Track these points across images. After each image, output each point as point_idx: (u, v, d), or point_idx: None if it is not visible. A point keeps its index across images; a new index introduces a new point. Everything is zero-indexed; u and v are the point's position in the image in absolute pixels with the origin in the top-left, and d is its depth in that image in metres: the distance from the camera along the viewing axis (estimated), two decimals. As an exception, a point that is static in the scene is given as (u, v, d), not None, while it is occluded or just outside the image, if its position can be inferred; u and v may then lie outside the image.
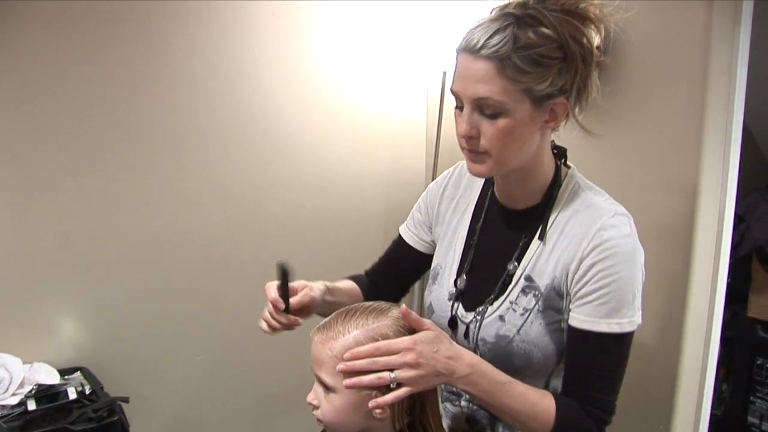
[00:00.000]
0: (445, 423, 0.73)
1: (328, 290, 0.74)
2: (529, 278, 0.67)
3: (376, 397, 0.59)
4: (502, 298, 0.68)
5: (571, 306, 0.65)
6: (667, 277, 1.06)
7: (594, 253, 0.63)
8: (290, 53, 1.40)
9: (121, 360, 1.27)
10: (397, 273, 0.86)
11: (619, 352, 0.64)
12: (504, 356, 0.66)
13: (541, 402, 0.63)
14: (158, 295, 1.31)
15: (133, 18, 1.21)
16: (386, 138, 1.56)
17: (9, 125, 1.14)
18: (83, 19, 1.16)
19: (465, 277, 0.73)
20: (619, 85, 1.07)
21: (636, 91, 1.10)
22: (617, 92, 1.05)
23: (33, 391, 1.06)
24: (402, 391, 0.59)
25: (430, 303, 0.77)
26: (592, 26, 0.62)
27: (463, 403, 0.74)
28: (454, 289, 0.73)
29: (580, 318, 0.63)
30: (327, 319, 0.65)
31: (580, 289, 0.64)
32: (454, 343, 0.63)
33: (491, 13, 0.62)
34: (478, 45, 0.59)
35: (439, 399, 0.72)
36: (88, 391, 1.10)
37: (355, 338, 0.61)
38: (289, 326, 0.69)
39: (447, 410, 0.76)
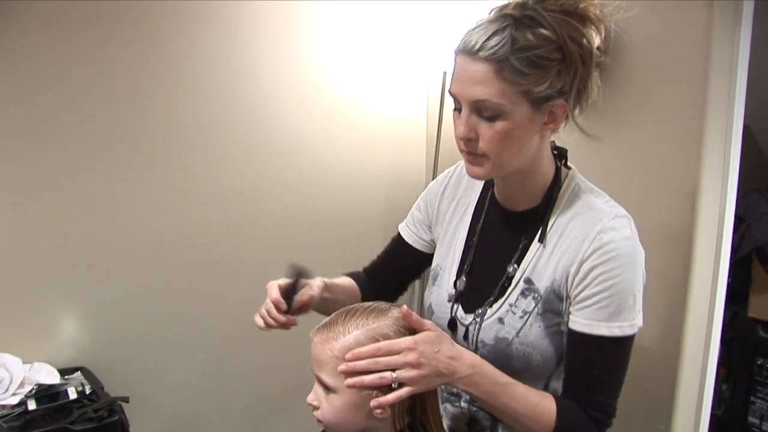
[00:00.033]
0: (445, 423, 0.73)
1: (326, 287, 0.74)
2: (528, 281, 0.67)
3: (377, 397, 0.59)
4: (501, 301, 0.68)
5: (571, 309, 0.64)
6: (668, 278, 1.06)
7: (594, 256, 0.62)
8: (290, 53, 1.40)
9: (122, 360, 1.27)
10: (395, 271, 0.85)
11: (620, 355, 0.64)
12: (503, 359, 0.65)
13: (542, 404, 0.63)
14: (158, 295, 1.31)
15: (133, 18, 1.21)
16: (386, 138, 1.56)
17: (9, 125, 1.14)
18: (83, 19, 1.16)
19: (464, 279, 0.73)
20: (620, 86, 1.07)
21: (636, 92, 1.10)
22: (618, 92, 1.05)
23: (33, 391, 1.06)
24: (403, 391, 0.59)
25: (430, 304, 0.77)
26: (592, 27, 0.61)
27: (463, 404, 0.74)
28: (453, 291, 0.73)
29: (581, 321, 0.63)
30: (327, 319, 0.65)
31: (580, 292, 0.63)
32: (455, 343, 0.63)
33: (490, 13, 0.62)
34: (476, 47, 0.59)
35: (439, 400, 0.72)
36: (88, 391, 1.10)
37: (355, 338, 0.61)
38: (285, 325, 0.68)
39: (447, 411, 0.76)
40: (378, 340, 0.60)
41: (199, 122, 1.32)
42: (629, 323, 0.62)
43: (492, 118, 0.61)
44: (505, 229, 0.71)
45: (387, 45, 1.51)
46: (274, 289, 0.69)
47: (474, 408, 0.73)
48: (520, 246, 0.68)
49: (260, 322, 0.69)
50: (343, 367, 0.59)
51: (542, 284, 0.66)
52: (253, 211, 1.41)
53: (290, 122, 1.43)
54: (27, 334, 1.19)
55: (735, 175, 1.02)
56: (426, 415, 0.64)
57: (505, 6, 0.61)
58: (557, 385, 0.69)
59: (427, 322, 0.64)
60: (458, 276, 0.74)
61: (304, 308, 0.72)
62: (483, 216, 0.74)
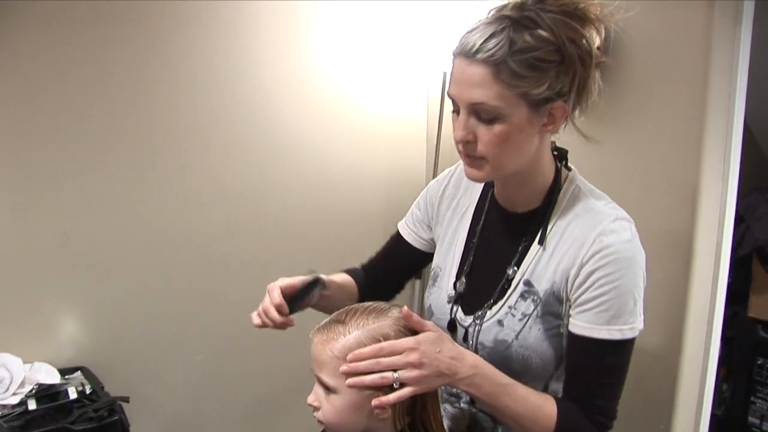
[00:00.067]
0: (445, 424, 0.73)
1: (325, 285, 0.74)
2: (528, 283, 0.67)
3: (378, 397, 0.59)
4: (500, 303, 0.68)
5: (570, 312, 0.64)
6: (668, 278, 1.06)
7: (594, 259, 0.62)
8: (290, 53, 1.40)
9: (122, 360, 1.27)
10: (394, 269, 0.85)
11: (620, 359, 0.63)
12: (502, 361, 0.65)
13: (543, 405, 0.63)
14: (158, 295, 1.31)
15: (133, 18, 1.21)
16: (387, 138, 1.56)
17: (9, 125, 1.14)
18: (83, 19, 1.16)
19: (464, 280, 0.72)
20: (620, 86, 1.07)
21: (636, 92, 1.10)
22: (618, 92, 1.05)
23: (33, 391, 1.06)
24: (405, 391, 0.59)
25: (430, 305, 0.77)
26: (592, 27, 0.61)
27: (462, 404, 0.74)
28: (453, 292, 0.73)
29: (580, 324, 0.63)
30: (326, 319, 0.65)
31: (580, 295, 0.63)
32: (456, 344, 0.63)
33: (488, 14, 0.61)
34: (474, 49, 0.59)
35: (439, 400, 0.72)
36: (88, 391, 1.10)
37: (356, 339, 0.61)
38: (282, 326, 0.68)
39: (446, 411, 0.76)
40: (379, 340, 0.60)
41: (199, 122, 1.32)
42: (630, 326, 0.62)
43: (490, 121, 0.60)
44: (504, 231, 0.71)
45: (387, 45, 1.51)
46: (276, 292, 0.67)
47: (474, 409, 0.72)
48: (520, 248, 0.68)
49: (257, 320, 0.69)
50: (344, 367, 0.59)
51: (542, 287, 0.66)
52: (253, 211, 1.41)
53: (290, 122, 1.43)
54: (27, 333, 1.19)
55: (735, 175, 1.01)
56: (426, 415, 0.64)
57: (504, 7, 0.61)
58: (556, 386, 0.68)
59: (428, 323, 0.64)
60: (458, 277, 0.73)
61: (302, 306, 0.72)
62: (483, 217, 0.74)
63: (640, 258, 0.63)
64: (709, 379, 1.04)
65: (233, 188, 1.38)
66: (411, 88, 1.57)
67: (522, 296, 0.67)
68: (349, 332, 0.62)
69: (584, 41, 0.60)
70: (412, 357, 0.59)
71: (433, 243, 0.81)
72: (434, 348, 0.60)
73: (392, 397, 0.58)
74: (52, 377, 1.12)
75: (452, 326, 0.72)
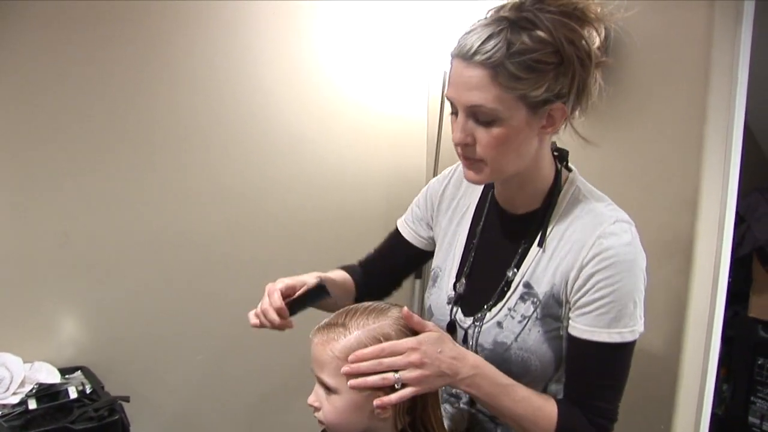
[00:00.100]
0: (445, 424, 0.73)
1: (320, 280, 0.73)
2: (527, 285, 0.66)
3: (379, 397, 0.59)
4: (500, 305, 0.68)
5: (570, 314, 0.64)
6: (668, 277, 1.06)
7: (594, 261, 0.62)
8: (290, 53, 1.40)
9: (122, 359, 1.27)
10: (392, 267, 0.85)
11: (621, 361, 0.63)
12: (501, 363, 0.65)
13: (544, 407, 0.63)
14: (158, 294, 1.31)
15: (133, 18, 1.21)
16: (387, 138, 1.56)
17: (9, 125, 1.14)
18: (83, 19, 1.16)
19: (464, 281, 0.72)
20: (620, 86, 1.06)
21: (637, 92, 1.10)
22: (618, 92, 1.04)
23: (34, 390, 1.06)
24: (407, 391, 0.59)
25: (430, 305, 0.77)
26: (592, 27, 0.60)
27: (462, 405, 0.74)
28: (453, 293, 0.73)
29: (580, 327, 0.63)
30: (326, 320, 0.65)
31: (579, 298, 0.63)
32: (457, 344, 0.63)
33: (487, 14, 0.61)
34: (471, 51, 0.58)
35: (440, 401, 0.72)
36: (88, 391, 1.10)
37: (356, 339, 0.61)
38: (281, 328, 0.67)
39: (446, 411, 0.75)
40: (380, 340, 0.60)
41: (199, 122, 1.32)
42: (630, 329, 0.61)
43: (488, 124, 0.60)
44: (504, 232, 0.71)
45: (387, 45, 1.51)
46: (277, 295, 0.67)
47: (473, 410, 0.72)
48: (520, 250, 0.68)
49: (254, 320, 0.68)
50: (346, 368, 0.59)
51: (541, 289, 0.65)
52: (253, 211, 1.41)
53: (290, 122, 1.43)
54: (27, 333, 1.19)
55: (736, 175, 1.01)
56: (427, 415, 0.64)
57: (502, 7, 0.60)
58: (556, 388, 0.68)
59: (429, 324, 0.64)
60: (458, 278, 0.73)
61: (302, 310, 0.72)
62: (483, 218, 0.73)
63: (641, 260, 0.63)
64: (710, 378, 1.04)
65: (233, 188, 1.38)
66: (411, 87, 1.57)
67: (521, 298, 0.66)
68: (349, 332, 0.62)
69: (583, 42, 0.59)
70: (414, 357, 0.59)
71: (431, 241, 0.81)
72: (435, 348, 0.60)
73: (394, 397, 0.58)
74: (53, 377, 1.12)
75: (452, 327, 0.72)
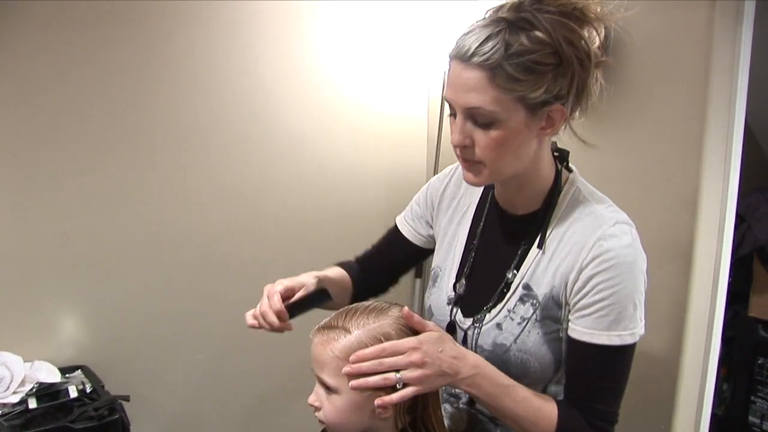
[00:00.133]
0: (445, 424, 0.73)
1: (319, 281, 0.73)
2: (527, 287, 0.66)
3: (380, 396, 0.59)
4: (499, 306, 0.67)
5: (570, 317, 0.64)
6: (669, 277, 1.06)
7: (593, 264, 0.61)
8: (291, 53, 1.40)
9: (122, 359, 1.27)
10: (390, 263, 0.85)
11: (621, 364, 0.63)
12: (501, 365, 0.65)
13: (544, 408, 0.63)
14: (158, 294, 1.31)
15: (133, 18, 1.21)
16: (387, 138, 1.55)
17: (9, 125, 1.14)
18: (83, 19, 1.16)
19: (464, 282, 0.72)
20: (620, 86, 1.06)
21: (637, 92, 1.09)
22: (618, 92, 1.04)
23: (34, 390, 1.06)
24: (408, 391, 0.59)
25: (430, 305, 0.77)
26: (591, 27, 0.60)
27: (462, 405, 0.74)
28: (453, 294, 0.73)
29: (580, 329, 0.62)
30: (326, 320, 0.65)
31: (579, 300, 0.62)
32: (458, 344, 0.63)
33: (486, 14, 0.60)
34: (469, 52, 0.57)
35: (440, 400, 0.72)
36: (89, 390, 1.10)
37: (357, 338, 0.61)
38: (279, 330, 0.67)
39: (446, 411, 0.75)
40: (380, 340, 0.60)
41: (199, 122, 1.32)
42: (629, 332, 0.61)
43: (487, 126, 0.59)
44: (504, 233, 0.71)
45: (388, 44, 1.51)
46: (277, 297, 0.66)
47: (473, 410, 0.72)
48: (519, 251, 0.68)
49: (252, 321, 0.67)
50: (347, 369, 0.59)
51: (541, 291, 0.65)
52: (253, 211, 1.41)
53: (290, 122, 1.42)
54: (28, 332, 1.19)
55: (736, 175, 1.01)
56: (427, 414, 0.64)
57: (501, 8, 0.60)
58: (555, 389, 0.68)
59: (430, 323, 0.64)
60: (458, 279, 0.73)
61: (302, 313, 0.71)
62: (483, 218, 0.73)
63: (641, 262, 0.62)
64: (710, 378, 1.04)
65: (233, 188, 1.38)
66: (412, 87, 1.57)
67: (521, 300, 0.66)
68: (349, 332, 0.62)
69: (582, 42, 0.59)
70: (415, 356, 0.59)
71: (430, 239, 0.81)
72: (436, 347, 0.60)
73: (395, 396, 0.58)
74: (53, 376, 1.12)
75: (452, 328, 0.72)
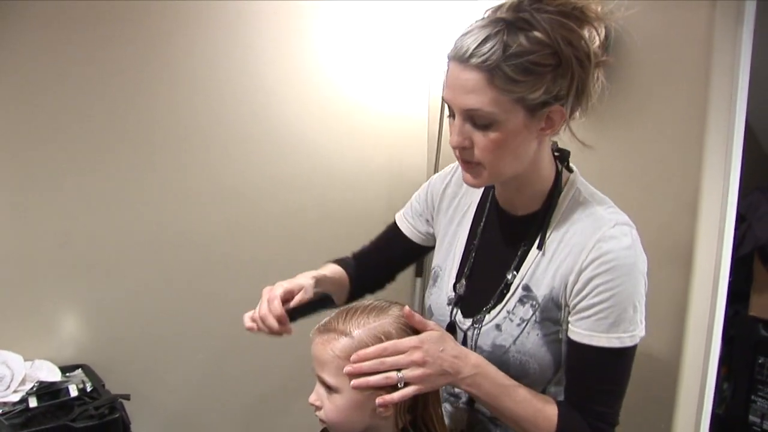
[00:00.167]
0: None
1: (317, 282, 0.72)
2: (527, 288, 0.66)
3: (380, 395, 0.59)
4: (499, 307, 0.67)
5: (570, 318, 0.63)
6: (669, 277, 1.06)
7: (593, 266, 0.61)
8: (291, 53, 1.40)
9: (122, 358, 1.28)
10: (387, 260, 0.84)
11: (621, 366, 0.62)
12: (500, 366, 0.65)
13: (545, 409, 0.62)
14: (159, 294, 1.31)
15: (133, 18, 1.21)
16: (388, 137, 1.55)
17: (9, 125, 1.14)
18: (83, 19, 1.16)
19: (464, 282, 0.72)
20: (621, 85, 1.06)
21: (637, 91, 1.09)
22: (618, 92, 1.04)
23: (34, 388, 1.06)
24: (409, 390, 0.59)
25: (430, 305, 0.77)
26: (591, 26, 0.59)
27: (462, 405, 0.74)
28: (453, 294, 0.73)
29: (580, 332, 0.62)
30: (327, 319, 0.65)
31: (579, 302, 0.62)
32: (459, 343, 0.63)
33: (484, 14, 0.60)
34: (467, 53, 0.57)
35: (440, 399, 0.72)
36: (89, 389, 1.10)
37: (357, 338, 0.61)
38: (278, 334, 0.66)
39: (446, 411, 0.75)
40: (381, 339, 0.61)
41: (199, 122, 1.32)
42: (629, 334, 0.61)
43: (485, 127, 0.59)
44: (504, 234, 0.70)
45: (388, 44, 1.51)
46: (277, 302, 0.65)
47: (473, 409, 0.72)
48: (519, 252, 0.67)
49: (250, 324, 0.66)
50: (348, 368, 0.59)
51: (540, 292, 0.65)
52: (253, 210, 1.41)
53: (291, 122, 1.42)
54: (28, 331, 1.19)
55: (737, 175, 1.01)
56: (428, 413, 0.64)
57: (499, 8, 0.59)
58: (555, 390, 0.68)
59: (430, 322, 0.64)
60: (458, 279, 0.73)
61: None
62: (484, 218, 0.73)
63: (641, 264, 0.62)
64: (710, 377, 1.04)
65: (233, 188, 1.38)
66: (412, 87, 1.57)
67: (520, 301, 0.66)
68: (350, 331, 0.62)
69: (582, 42, 0.58)
70: (416, 355, 0.59)
71: (429, 237, 0.81)
72: (437, 347, 0.60)
73: (396, 395, 0.58)
74: (53, 375, 1.12)
75: (451, 329, 0.71)
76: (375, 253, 0.84)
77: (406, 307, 0.63)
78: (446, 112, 0.64)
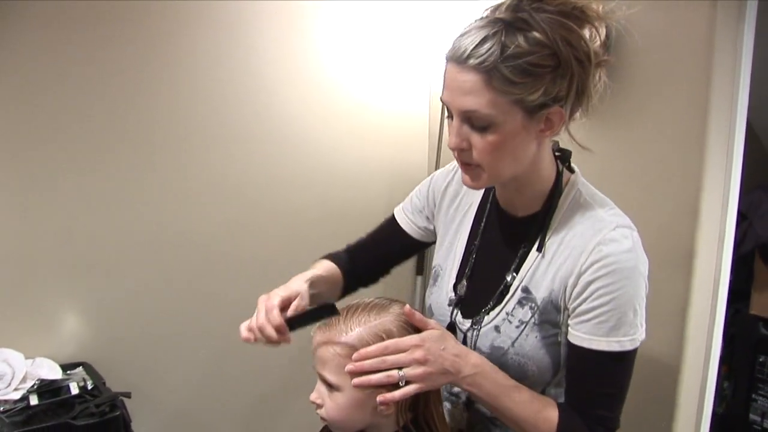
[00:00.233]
0: (446, 422, 0.73)
1: (311, 284, 0.70)
2: (526, 290, 0.66)
3: (382, 393, 0.59)
4: (498, 309, 0.67)
5: (569, 321, 0.63)
6: (670, 276, 1.06)
7: (593, 269, 0.60)
8: (293, 52, 1.40)
9: (123, 355, 1.28)
10: (385, 254, 0.83)
11: (621, 370, 0.62)
12: (499, 368, 0.64)
13: (545, 411, 0.62)
14: (159, 293, 1.32)
15: (133, 18, 1.21)
16: (389, 135, 1.55)
17: (9, 125, 1.14)
18: (83, 19, 1.16)
19: (465, 283, 0.71)
20: (622, 85, 1.05)
21: (638, 91, 1.09)
22: (619, 92, 1.04)
23: (35, 386, 1.06)
24: (410, 388, 0.59)
25: (430, 305, 0.76)
26: (592, 26, 0.59)
27: (462, 404, 0.74)
28: (453, 294, 0.73)
29: (579, 335, 0.62)
30: (328, 317, 0.65)
31: (578, 305, 0.62)
32: (460, 343, 0.63)
33: (483, 14, 0.59)
34: (465, 54, 0.56)
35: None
36: (90, 386, 1.09)
37: (358, 335, 0.61)
38: (276, 343, 0.63)
39: (446, 410, 0.75)
40: (381, 337, 0.61)
41: (199, 122, 1.32)
42: (629, 338, 0.60)
43: (483, 129, 0.58)
44: (504, 235, 0.70)
45: (389, 43, 1.51)
46: (276, 312, 0.63)
47: (473, 409, 0.72)
48: (519, 253, 0.67)
49: (247, 335, 0.64)
50: (350, 367, 0.59)
51: (540, 294, 0.64)
52: (253, 209, 1.41)
53: (292, 121, 1.42)
54: (29, 329, 1.19)
55: (738, 174, 1.01)
56: (429, 411, 0.64)
57: (498, 7, 0.58)
58: (555, 391, 0.68)
59: (431, 321, 0.64)
60: (458, 279, 0.73)
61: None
62: (484, 218, 0.72)
63: (642, 267, 0.61)
64: (711, 376, 1.04)
65: (234, 187, 1.38)
66: (413, 85, 1.57)
67: (519, 303, 0.66)
68: (350, 329, 0.62)
69: (582, 42, 0.57)
70: (418, 354, 0.59)
71: (428, 233, 0.80)
72: (439, 345, 0.60)
73: (397, 394, 0.58)
74: (54, 373, 1.12)
75: (451, 330, 0.71)
76: (372, 246, 0.83)
77: (407, 306, 0.63)
78: (445, 113, 0.63)
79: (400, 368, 0.59)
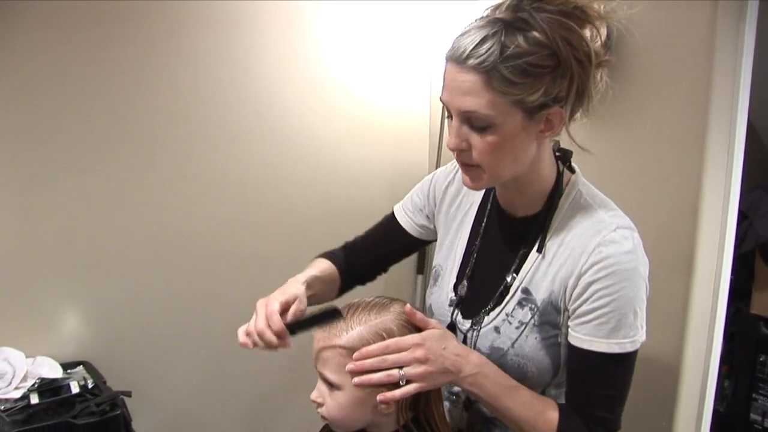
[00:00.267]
0: (446, 422, 0.73)
1: (308, 285, 0.70)
2: (526, 291, 0.65)
3: (382, 392, 0.59)
4: (498, 310, 0.67)
5: (569, 323, 0.63)
6: (670, 275, 1.06)
7: (593, 270, 0.60)
8: (294, 52, 1.39)
9: (124, 354, 1.28)
10: (384, 252, 0.83)
11: (621, 372, 0.62)
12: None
13: (545, 412, 0.62)
14: (159, 292, 1.32)
15: (133, 18, 1.21)
16: (390, 134, 1.55)
17: (9, 125, 1.14)
18: (83, 19, 1.16)
19: (466, 283, 0.71)
20: (622, 84, 1.05)
21: (639, 91, 1.09)
22: (620, 91, 1.04)
23: (36, 385, 1.06)
24: (411, 387, 0.59)
25: (431, 305, 0.76)
26: (593, 26, 0.58)
27: (461, 405, 0.74)
28: (453, 295, 0.72)
29: (580, 337, 0.61)
30: (328, 316, 0.65)
31: (578, 307, 0.61)
32: (460, 343, 0.63)
33: (483, 13, 0.59)
34: (464, 55, 0.56)
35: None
36: (90, 385, 1.09)
37: (358, 334, 0.61)
38: (274, 348, 0.63)
39: (445, 409, 0.75)
40: (382, 336, 0.61)
41: (199, 121, 1.32)
42: (630, 340, 0.60)
43: (483, 129, 0.58)
44: (505, 235, 0.70)
45: (390, 42, 1.50)
46: (276, 317, 0.62)
47: (473, 409, 0.72)
48: (519, 254, 0.67)
49: (245, 340, 0.64)
50: (351, 366, 0.59)
51: (540, 295, 0.64)
52: (254, 209, 1.41)
53: (293, 120, 1.42)
54: (30, 328, 1.19)
55: (738, 173, 1.01)
56: (430, 410, 0.65)
57: (498, 7, 0.58)
58: (555, 392, 0.68)
59: (432, 321, 0.64)
60: (459, 280, 0.73)
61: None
62: (485, 219, 0.72)
63: (642, 269, 0.61)
64: (711, 375, 1.04)
65: (234, 186, 1.38)
66: (414, 84, 1.57)
67: (519, 304, 0.65)
68: (351, 328, 0.62)
69: (582, 42, 0.56)
70: (418, 353, 0.59)
71: (428, 231, 0.80)
72: (440, 345, 0.60)
73: (398, 393, 0.58)
74: (55, 371, 1.12)
75: (451, 330, 0.71)
76: (370, 244, 0.83)
77: (408, 305, 0.63)
78: (445, 113, 0.63)
79: (400, 367, 0.59)
